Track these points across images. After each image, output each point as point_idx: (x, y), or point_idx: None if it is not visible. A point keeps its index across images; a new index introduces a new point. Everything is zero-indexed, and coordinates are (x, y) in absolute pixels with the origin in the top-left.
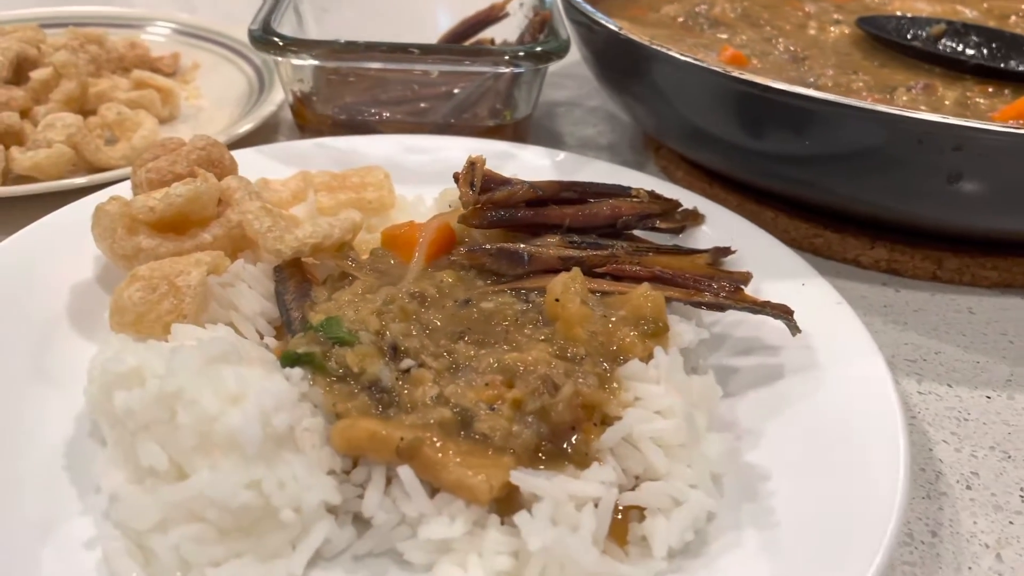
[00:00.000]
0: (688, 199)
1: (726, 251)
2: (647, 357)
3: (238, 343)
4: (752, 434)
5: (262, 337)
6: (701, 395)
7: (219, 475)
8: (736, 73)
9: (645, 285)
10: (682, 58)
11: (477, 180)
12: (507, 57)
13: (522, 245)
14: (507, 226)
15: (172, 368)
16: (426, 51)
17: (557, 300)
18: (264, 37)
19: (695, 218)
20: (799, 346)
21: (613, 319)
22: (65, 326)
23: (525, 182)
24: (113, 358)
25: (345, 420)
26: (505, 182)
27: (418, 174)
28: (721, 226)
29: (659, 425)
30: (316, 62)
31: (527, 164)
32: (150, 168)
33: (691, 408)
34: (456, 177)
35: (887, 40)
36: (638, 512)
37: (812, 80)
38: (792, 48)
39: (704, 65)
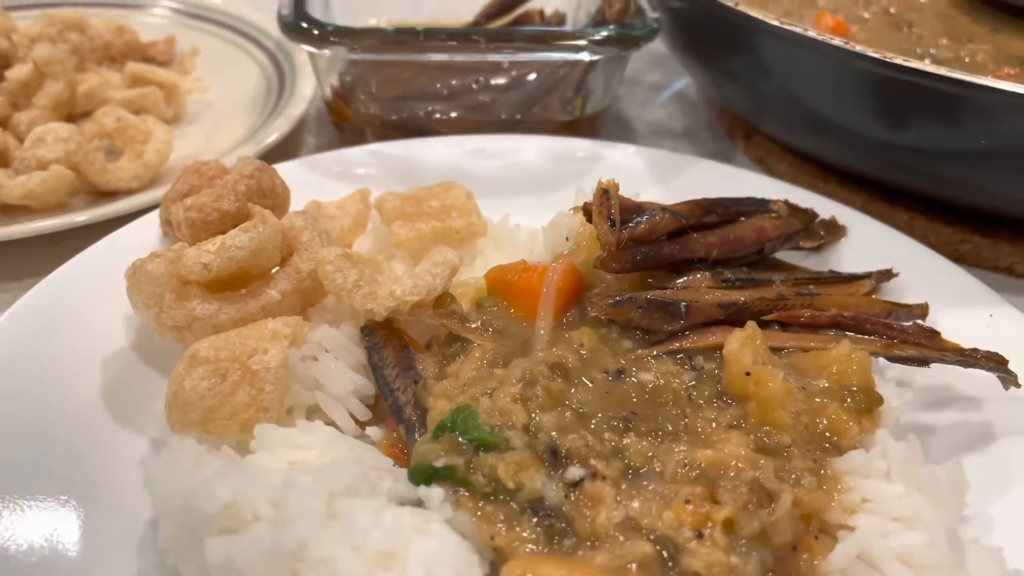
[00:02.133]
0: (808, 201)
1: (888, 274)
2: (864, 441)
3: (358, 455)
4: (978, 520)
5: (363, 427)
6: (949, 494)
7: None
8: (886, 57)
9: (846, 343)
10: (814, 37)
11: (615, 213)
12: (588, 42)
13: (668, 290)
14: (650, 266)
15: (287, 512)
16: (495, 38)
17: (748, 374)
18: (299, 25)
19: (836, 230)
20: (1007, 398)
21: (816, 392)
22: (101, 417)
23: (664, 208)
24: (200, 493)
25: (517, 563)
26: (639, 210)
27: (491, 184)
28: (862, 238)
29: (908, 540)
30: (367, 56)
31: (619, 167)
32: (190, 206)
33: (942, 513)
34: (586, 210)
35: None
36: None
37: (933, 52)
38: (891, 11)
39: (844, 46)
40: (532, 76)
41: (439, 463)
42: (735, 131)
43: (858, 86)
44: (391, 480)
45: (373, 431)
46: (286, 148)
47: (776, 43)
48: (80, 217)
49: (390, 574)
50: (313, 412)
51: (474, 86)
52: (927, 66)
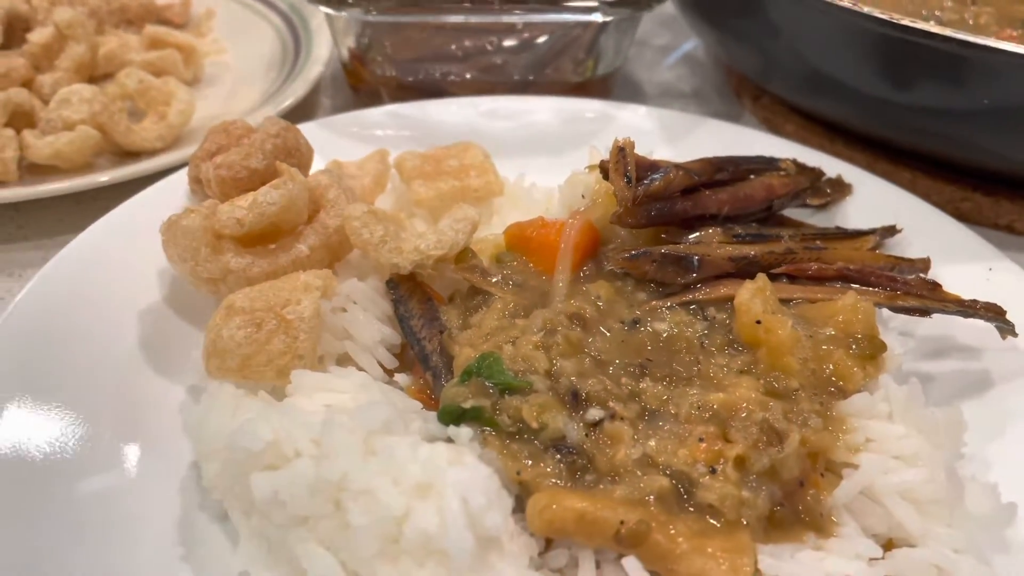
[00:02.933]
0: (815, 160)
1: (892, 230)
2: (868, 385)
3: (391, 400)
4: (975, 460)
5: (391, 375)
6: (948, 435)
7: None
8: (892, 18)
9: (852, 294)
10: None
11: (632, 170)
12: (600, 3)
13: (681, 244)
14: (664, 222)
15: (328, 448)
16: (508, 0)
17: (758, 322)
18: None
19: (842, 188)
20: (1004, 348)
21: (822, 340)
22: (140, 366)
23: (678, 166)
24: (243, 432)
25: (542, 496)
26: (654, 167)
27: (505, 144)
28: (867, 196)
29: (908, 476)
30: (383, 17)
31: (630, 127)
32: (219, 164)
33: (940, 451)
34: (603, 167)
35: None
36: None
37: (938, 15)
38: None
39: (852, 7)
40: (544, 38)
41: (467, 404)
42: (743, 92)
43: (865, 47)
44: (420, 421)
45: (400, 378)
46: (303, 109)
47: (784, 4)
48: (105, 177)
49: (428, 502)
50: (343, 360)
51: (488, 47)
52: (932, 27)
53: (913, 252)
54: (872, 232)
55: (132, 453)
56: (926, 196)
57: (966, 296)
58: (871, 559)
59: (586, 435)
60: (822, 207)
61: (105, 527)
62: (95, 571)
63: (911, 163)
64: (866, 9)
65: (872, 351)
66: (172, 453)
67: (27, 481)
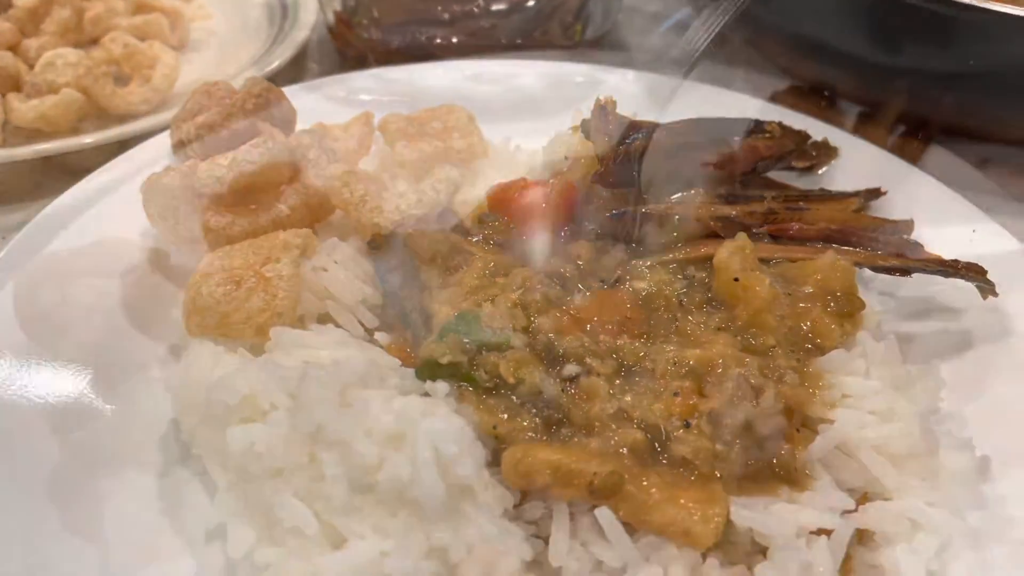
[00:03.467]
0: (802, 124)
1: (876, 193)
2: (846, 343)
3: (368, 355)
4: (952, 420)
5: (371, 334)
6: (924, 391)
7: (393, 542)
8: None
9: (831, 253)
10: None
11: (613, 128)
12: None
13: (662, 205)
14: (646, 182)
15: (303, 401)
16: None
17: (736, 280)
18: None
19: (828, 152)
20: (985, 308)
21: (801, 298)
22: (122, 323)
23: (661, 126)
24: (221, 386)
25: (518, 449)
26: (636, 127)
27: (491, 108)
28: (853, 159)
29: (884, 431)
30: None
31: (618, 91)
32: (200, 124)
33: (916, 406)
34: (585, 127)
35: None
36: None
37: None
38: None
39: None
40: (532, 1)
41: (444, 360)
42: (734, 59)
43: (856, 9)
44: (398, 378)
45: (380, 336)
46: (290, 75)
47: None
48: (90, 139)
49: (400, 454)
50: (324, 320)
51: (475, 10)
52: None
53: (898, 215)
54: (856, 194)
55: (113, 410)
56: (914, 161)
57: (949, 257)
58: (845, 512)
59: (562, 390)
60: (807, 170)
61: (85, 482)
62: (75, 524)
63: (902, 129)
64: None
65: (850, 308)
66: (153, 410)
67: (8, 437)
